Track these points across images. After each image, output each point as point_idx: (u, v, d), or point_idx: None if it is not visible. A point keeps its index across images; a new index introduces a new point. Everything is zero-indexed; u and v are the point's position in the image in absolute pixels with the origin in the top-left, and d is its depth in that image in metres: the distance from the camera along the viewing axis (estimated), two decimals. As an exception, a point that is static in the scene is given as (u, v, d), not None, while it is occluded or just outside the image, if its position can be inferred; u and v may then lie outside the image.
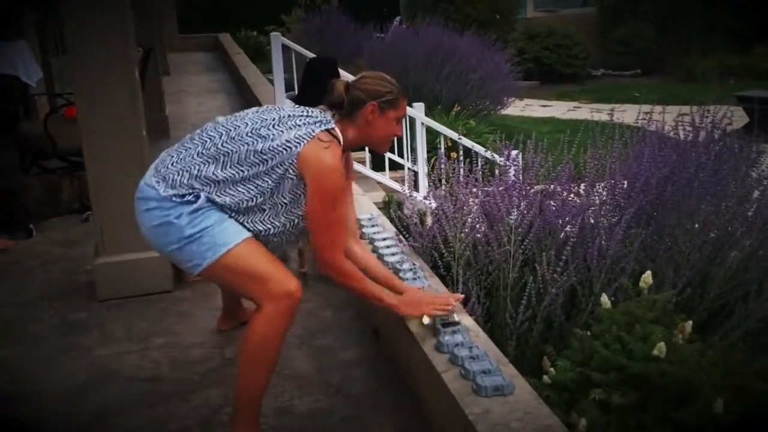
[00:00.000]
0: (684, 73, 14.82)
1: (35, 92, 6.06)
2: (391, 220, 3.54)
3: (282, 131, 2.29)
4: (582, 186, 3.30)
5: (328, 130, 2.33)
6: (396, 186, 6.47)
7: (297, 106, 2.46)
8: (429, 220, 3.31)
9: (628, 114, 3.71)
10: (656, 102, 3.48)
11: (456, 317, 2.54)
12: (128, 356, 2.97)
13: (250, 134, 2.31)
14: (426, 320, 2.51)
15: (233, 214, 2.34)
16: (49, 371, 2.88)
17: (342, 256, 2.40)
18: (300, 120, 2.33)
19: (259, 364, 2.28)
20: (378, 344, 3.00)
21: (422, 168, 6.42)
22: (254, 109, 2.48)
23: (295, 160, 2.28)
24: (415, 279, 2.83)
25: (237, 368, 2.33)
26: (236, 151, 2.30)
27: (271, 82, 7.73)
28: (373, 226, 3.44)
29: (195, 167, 2.32)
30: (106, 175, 3.31)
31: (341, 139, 2.38)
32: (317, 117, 2.37)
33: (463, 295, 2.71)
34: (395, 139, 7.28)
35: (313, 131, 2.30)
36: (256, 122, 2.34)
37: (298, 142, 2.28)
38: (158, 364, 2.91)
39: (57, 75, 6.96)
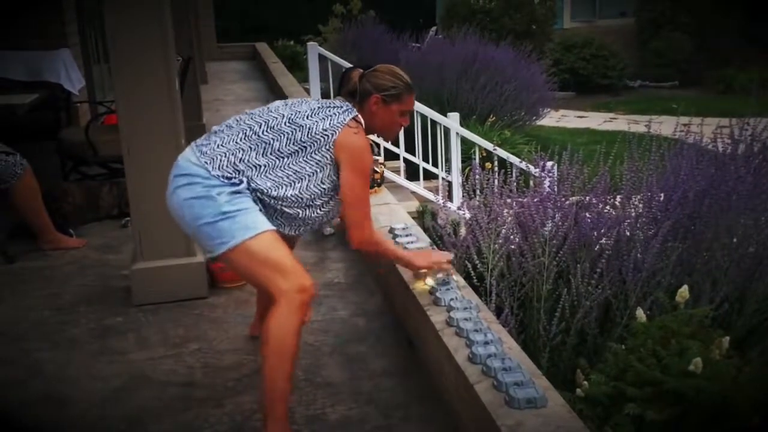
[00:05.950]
0: (723, 85, 14.62)
1: (77, 99, 6.17)
2: (425, 230, 3.54)
3: (317, 121, 2.54)
4: (618, 198, 3.27)
5: (354, 118, 2.59)
6: (430, 196, 6.47)
7: (320, 99, 2.70)
8: (463, 231, 3.30)
9: (665, 126, 3.67)
10: (694, 114, 3.44)
11: (453, 278, 2.92)
12: (163, 361, 3.00)
13: (287, 124, 2.54)
14: (429, 281, 2.88)
15: (272, 200, 2.50)
16: (85, 375, 2.92)
17: (372, 229, 2.72)
18: (329, 111, 2.58)
19: (280, 356, 2.33)
20: (411, 354, 3.00)
21: (456, 178, 6.41)
22: (282, 102, 2.66)
23: (332, 147, 2.53)
24: (448, 289, 2.84)
25: (262, 365, 2.37)
26: (276, 139, 2.52)
27: (308, 91, 7.79)
28: (407, 235, 3.44)
29: (239, 152, 2.49)
30: (145, 182, 3.36)
31: (364, 125, 2.64)
32: (343, 107, 2.61)
33: (452, 255, 3.04)
34: (429, 148, 7.20)
35: (345, 120, 2.56)
36: (292, 114, 2.57)
37: (334, 131, 2.53)
38: (192, 369, 2.94)
39: (99, 83, 7.08)
